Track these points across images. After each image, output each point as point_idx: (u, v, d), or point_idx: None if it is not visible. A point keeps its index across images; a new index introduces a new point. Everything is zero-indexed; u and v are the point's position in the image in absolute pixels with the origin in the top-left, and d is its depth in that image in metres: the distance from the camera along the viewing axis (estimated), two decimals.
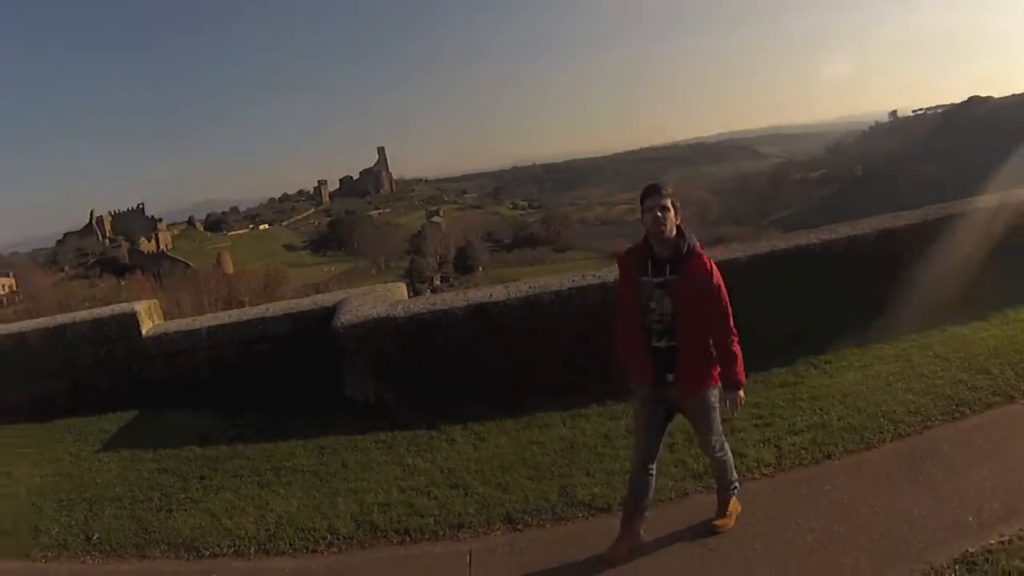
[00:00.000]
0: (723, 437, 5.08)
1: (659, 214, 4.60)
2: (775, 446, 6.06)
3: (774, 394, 7.08)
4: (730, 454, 5.15)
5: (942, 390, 6.64)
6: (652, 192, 4.67)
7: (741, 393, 4.92)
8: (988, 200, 9.81)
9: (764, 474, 5.76)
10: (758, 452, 6.00)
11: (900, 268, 8.48)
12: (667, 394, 4.81)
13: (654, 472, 4.98)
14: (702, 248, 4.86)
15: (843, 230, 8.85)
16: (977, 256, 8.70)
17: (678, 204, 4.69)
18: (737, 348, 4.83)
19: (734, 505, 5.18)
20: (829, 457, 5.85)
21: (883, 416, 6.30)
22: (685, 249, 4.69)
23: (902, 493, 5.22)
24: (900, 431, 6.10)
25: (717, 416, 4.96)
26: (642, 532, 5.01)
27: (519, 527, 5.54)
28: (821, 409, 6.60)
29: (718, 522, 5.11)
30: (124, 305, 10.09)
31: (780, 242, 8.84)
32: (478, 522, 5.64)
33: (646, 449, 4.94)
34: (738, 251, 8.55)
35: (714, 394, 4.87)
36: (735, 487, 5.16)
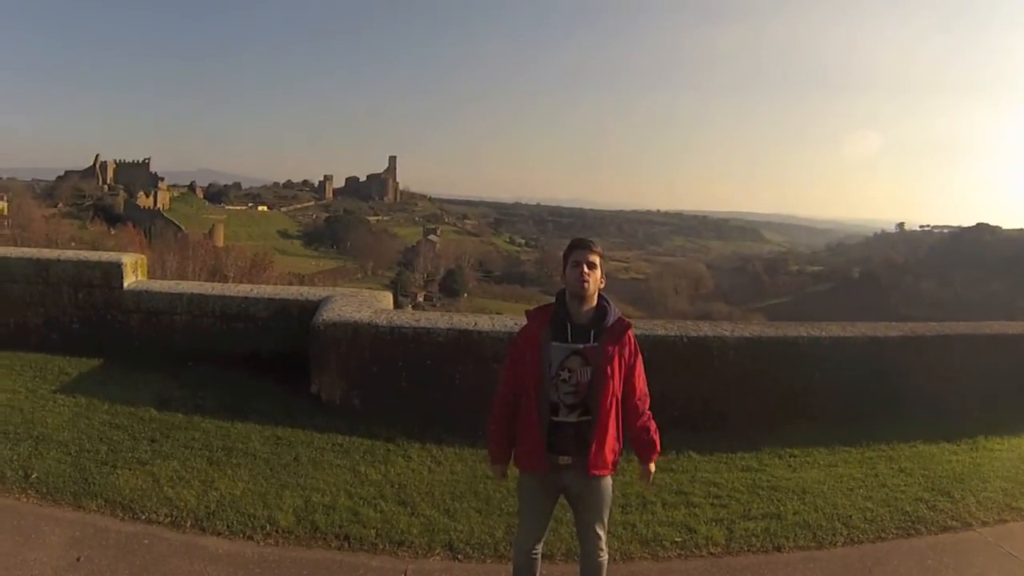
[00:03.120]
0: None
1: (585, 269, 4.13)
2: (727, 528, 6.02)
3: (735, 476, 7.05)
4: (607, 558, 4.50)
5: (901, 505, 6.63)
6: (580, 245, 4.24)
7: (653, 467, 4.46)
8: (979, 327, 9.92)
9: (712, 553, 5.71)
10: (709, 530, 5.95)
11: (882, 378, 8.55)
12: (559, 479, 4.27)
13: (539, 553, 4.52)
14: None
15: (833, 330, 8.88)
16: (959, 380, 8.76)
17: (605, 267, 4.28)
18: (655, 427, 4.41)
19: None
20: (779, 549, 5.83)
21: (838, 519, 6.28)
22: (612, 316, 4.23)
23: None
24: (853, 537, 6.08)
25: (609, 505, 4.47)
26: None
27: (459, 557, 5.48)
28: (778, 500, 6.58)
29: None
30: (111, 254, 10.08)
31: (769, 329, 8.91)
32: (419, 543, 5.57)
33: (533, 535, 4.47)
34: (726, 329, 8.57)
35: (610, 479, 4.38)
36: None
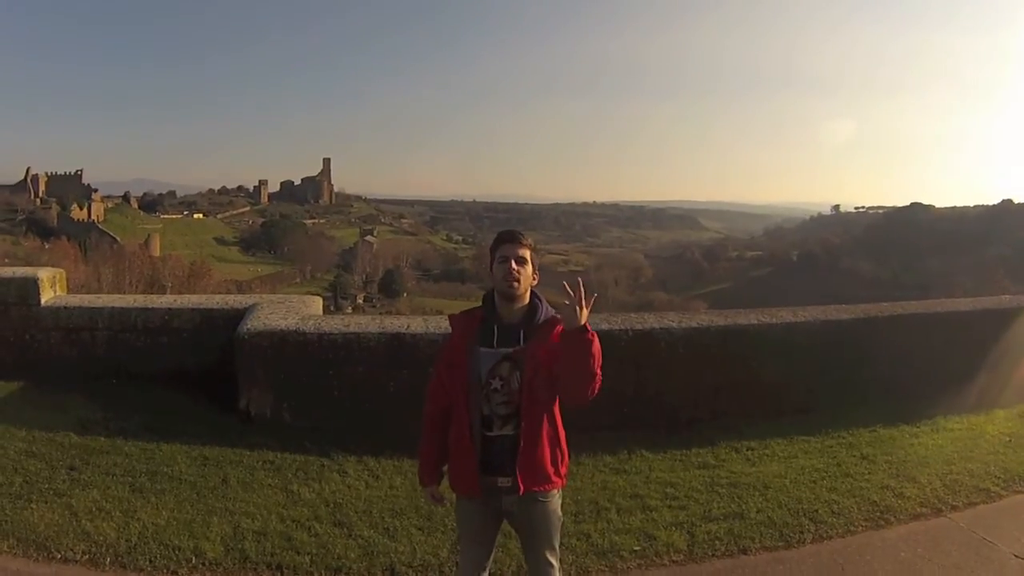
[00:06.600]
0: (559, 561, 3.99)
1: (513, 265, 3.64)
2: (688, 532, 5.69)
3: (691, 475, 6.77)
4: None
5: (868, 494, 6.39)
6: (508, 239, 3.73)
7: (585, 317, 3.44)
8: (930, 306, 9.90)
9: (674, 561, 5.38)
10: (669, 536, 5.62)
11: (837, 362, 8.43)
12: (499, 503, 3.77)
13: None
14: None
15: (784, 315, 8.74)
16: (914, 360, 8.64)
17: (536, 261, 3.78)
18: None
19: None
20: (745, 552, 5.52)
21: (804, 514, 6.02)
22: (543, 313, 3.73)
23: None
24: (822, 532, 5.81)
25: (559, 528, 3.94)
26: None
27: None
28: (739, 498, 6.29)
29: None
30: (27, 269, 9.58)
31: (718, 318, 8.68)
32: (358, 569, 5.16)
33: (476, 565, 3.94)
34: (672, 320, 8.31)
35: (558, 499, 3.87)
36: None
